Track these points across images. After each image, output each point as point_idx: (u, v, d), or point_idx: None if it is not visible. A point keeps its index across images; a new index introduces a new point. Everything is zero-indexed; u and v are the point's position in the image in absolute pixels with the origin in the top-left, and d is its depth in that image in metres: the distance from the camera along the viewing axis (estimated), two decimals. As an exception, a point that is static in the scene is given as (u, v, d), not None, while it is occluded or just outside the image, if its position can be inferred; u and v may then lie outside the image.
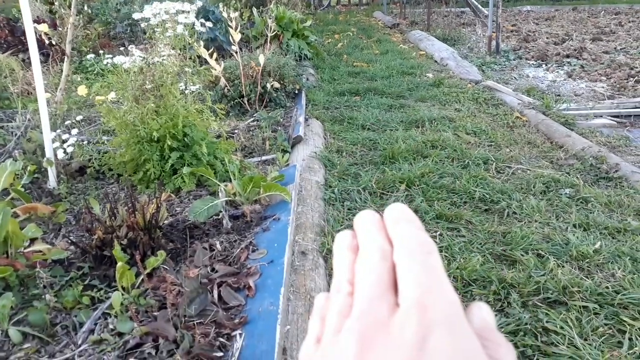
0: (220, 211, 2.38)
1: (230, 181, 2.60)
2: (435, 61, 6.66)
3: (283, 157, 3.20)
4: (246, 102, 4.24)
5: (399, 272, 0.27)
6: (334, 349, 0.26)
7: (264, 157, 3.27)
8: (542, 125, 3.99)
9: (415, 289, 0.26)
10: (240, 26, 4.06)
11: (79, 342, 1.62)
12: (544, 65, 6.29)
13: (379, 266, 0.27)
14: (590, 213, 2.61)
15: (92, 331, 1.67)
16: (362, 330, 0.25)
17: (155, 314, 1.67)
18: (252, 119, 4.03)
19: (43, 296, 1.76)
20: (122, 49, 6.06)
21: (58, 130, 2.81)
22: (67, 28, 3.94)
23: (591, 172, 3.13)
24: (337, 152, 3.51)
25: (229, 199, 2.49)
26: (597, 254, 2.22)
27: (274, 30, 4.77)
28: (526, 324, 1.80)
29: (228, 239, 2.23)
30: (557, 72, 5.95)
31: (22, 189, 2.50)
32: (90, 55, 3.43)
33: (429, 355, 0.23)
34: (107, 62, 2.73)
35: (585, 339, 1.74)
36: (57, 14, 5.04)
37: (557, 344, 1.72)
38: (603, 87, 5.20)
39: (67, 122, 3.04)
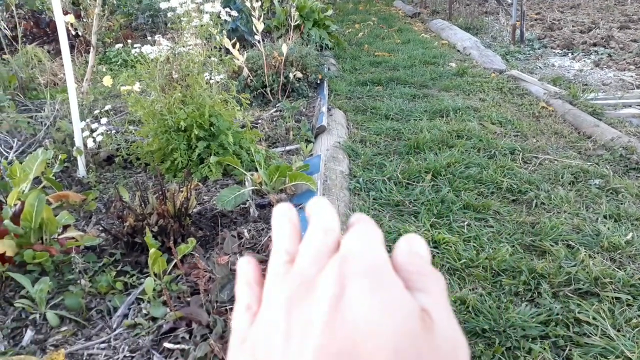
0: (247, 200, 2.40)
1: (256, 170, 2.61)
2: (458, 50, 6.57)
3: (307, 147, 3.21)
4: (269, 92, 4.24)
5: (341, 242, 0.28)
6: (266, 312, 0.27)
7: (287, 147, 3.28)
8: (569, 115, 3.92)
9: (342, 248, 0.26)
10: (262, 16, 4.06)
11: (114, 326, 1.65)
12: (570, 54, 6.16)
13: (321, 239, 0.28)
14: (621, 204, 2.57)
15: (126, 316, 1.70)
16: (290, 291, 0.26)
17: (187, 299, 1.69)
18: (275, 109, 4.04)
19: (78, 281, 1.80)
20: (144, 40, 6.11)
21: (87, 120, 2.86)
22: (92, 19, 3.98)
23: (621, 163, 3.07)
24: (361, 142, 3.50)
25: (256, 188, 2.51)
26: (629, 245, 2.19)
27: (296, 20, 4.76)
28: (557, 314, 1.78)
29: (255, 227, 2.25)
30: (584, 61, 5.83)
31: (53, 178, 2.55)
32: (119, 45, 3.46)
33: (346, 305, 0.23)
34: (135, 52, 2.75)
35: (619, 330, 1.72)
36: (81, 5, 5.09)
37: (590, 334, 1.70)
38: (632, 76, 5.08)
39: (95, 112, 3.08)
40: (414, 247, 0.28)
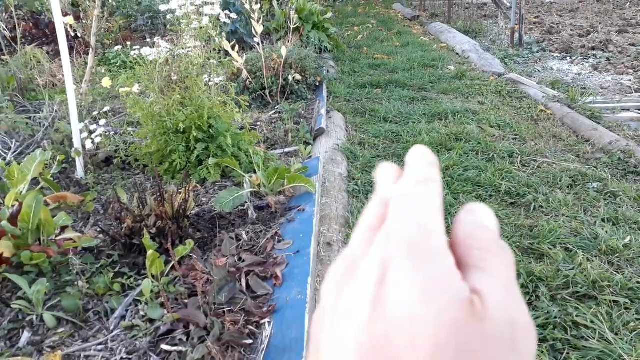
0: (246, 202, 2.39)
1: (255, 172, 2.61)
2: (457, 53, 6.58)
3: (306, 149, 3.21)
4: (268, 94, 4.25)
5: (389, 210, 0.24)
6: (323, 294, 0.25)
7: (286, 149, 3.28)
8: (568, 118, 3.93)
9: (387, 223, 0.24)
10: (262, 18, 4.07)
11: (111, 328, 1.65)
12: (568, 58, 6.18)
13: (372, 211, 0.26)
14: (619, 207, 2.57)
15: (123, 317, 1.70)
16: (338, 274, 0.24)
17: (185, 301, 1.69)
18: (274, 111, 4.04)
19: (76, 282, 1.79)
20: (144, 41, 6.11)
21: (86, 121, 2.85)
22: (92, 20, 3.99)
23: (619, 166, 3.08)
24: (360, 144, 3.50)
25: (254, 190, 2.51)
26: (627, 248, 2.19)
27: (296, 23, 4.76)
28: (555, 317, 1.78)
29: (254, 229, 2.24)
30: (583, 64, 5.85)
31: (52, 179, 2.54)
32: (117, 47, 3.47)
33: (388, 290, 0.21)
34: (134, 54, 2.75)
35: (617, 334, 1.72)
36: (81, 7, 5.10)
37: (588, 338, 1.70)
38: (630, 80, 5.09)
39: (94, 113, 3.08)
40: (478, 217, 0.25)
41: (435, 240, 0.22)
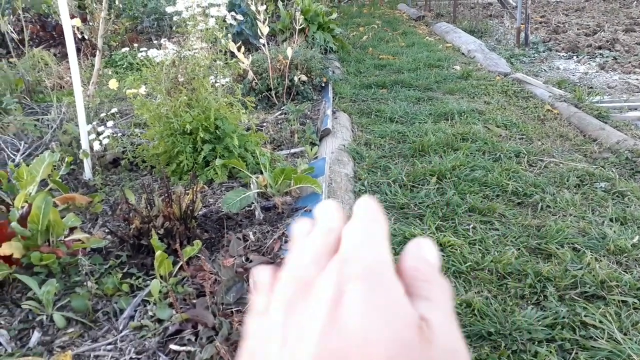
0: (252, 202, 2.40)
1: (262, 173, 2.62)
2: (462, 53, 6.57)
3: (312, 149, 3.21)
4: (274, 95, 4.26)
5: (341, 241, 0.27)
6: (266, 317, 0.26)
7: (292, 150, 3.28)
8: (575, 118, 3.92)
9: (342, 250, 0.25)
10: (267, 20, 4.08)
11: (120, 328, 1.66)
12: (575, 57, 6.15)
13: (320, 238, 0.27)
14: (627, 207, 2.56)
15: (132, 317, 1.71)
16: (289, 294, 0.25)
17: (193, 301, 1.70)
18: (280, 112, 4.05)
19: (85, 283, 1.81)
20: (149, 43, 6.14)
21: (93, 123, 2.87)
22: (99, 22, 4.01)
23: (627, 166, 3.06)
24: (366, 144, 3.51)
25: (261, 190, 2.52)
26: (636, 248, 2.18)
27: (301, 24, 4.77)
28: (564, 317, 1.78)
29: (261, 230, 2.25)
30: (589, 64, 5.82)
31: (60, 180, 2.56)
32: (125, 49, 3.49)
33: (344, 310, 0.23)
34: (141, 56, 2.77)
35: (625, 334, 1.71)
36: (87, 9, 5.13)
37: (596, 338, 1.69)
38: (637, 79, 5.07)
39: (101, 115, 3.10)
40: (423, 251, 0.27)
41: (387, 269, 0.25)
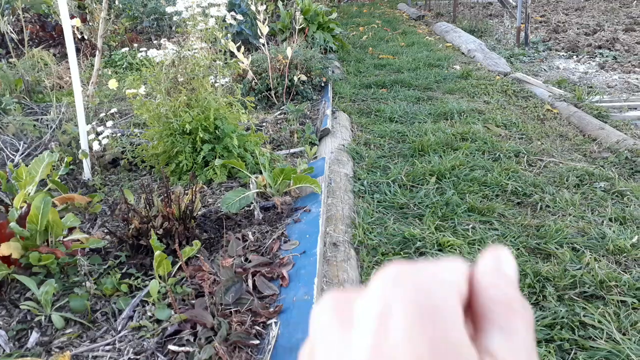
0: (252, 202, 2.40)
1: (261, 173, 2.62)
2: (462, 53, 6.57)
3: (311, 149, 3.21)
4: (273, 95, 4.25)
5: None
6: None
7: (292, 150, 3.28)
8: (574, 117, 3.91)
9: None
10: (267, 19, 4.07)
11: (119, 328, 1.66)
12: (574, 57, 6.15)
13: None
14: (627, 207, 2.56)
15: (131, 318, 1.71)
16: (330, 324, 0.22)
17: (192, 301, 1.70)
18: (279, 112, 4.05)
19: (83, 283, 1.81)
20: (149, 43, 6.14)
21: (93, 123, 2.87)
22: (98, 22, 4.01)
23: (626, 166, 3.06)
24: (365, 144, 3.50)
25: (260, 190, 2.51)
26: (635, 248, 2.18)
27: (301, 23, 4.77)
28: (563, 317, 1.78)
29: (260, 230, 2.25)
30: (589, 63, 5.82)
31: (59, 180, 2.56)
32: (125, 49, 3.49)
33: (391, 343, 0.19)
34: (141, 56, 2.76)
35: (624, 334, 1.71)
36: (87, 9, 5.13)
37: (595, 338, 1.69)
38: (637, 79, 5.06)
39: (100, 115, 3.10)
40: (502, 264, 0.23)
41: (441, 285, 0.21)
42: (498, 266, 0.23)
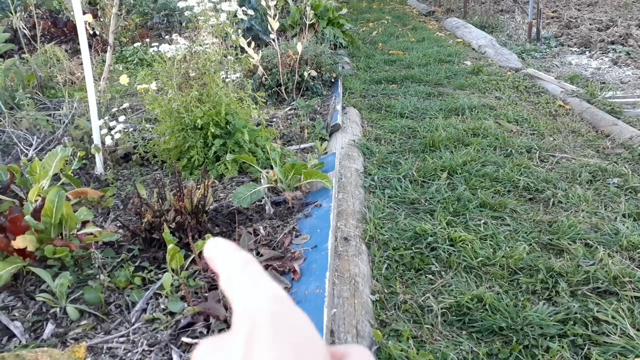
0: (263, 197, 2.41)
1: (272, 168, 2.62)
2: (473, 49, 6.53)
3: (321, 145, 3.21)
4: (284, 90, 4.26)
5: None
6: None
7: (302, 145, 3.28)
8: (587, 113, 3.88)
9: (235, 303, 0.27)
10: (277, 15, 4.07)
11: (133, 321, 1.67)
12: (587, 52, 6.09)
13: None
14: (641, 203, 2.53)
15: (144, 310, 1.72)
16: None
17: (205, 294, 1.71)
18: (289, 108, 4.05)
19: (97, 276, 1.82)
20: (160, 39, 6.16)
21: (105, 118, 2.89)
22: (110, 18, 4.03)
23: (640, 162, 3.03)
24: (376, 140, 3.50)
25: (271, 185, 2.52)
26: (649, 244, 2.16)
27: (311, 19, 4.76)
28: (576, 313, 1.77)
29: (271, 224, 2.26)
30: (602, 59, 5.76)
31: (72, 174, 2.58)
32: (137, 44, 3.50)
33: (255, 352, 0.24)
34: (152, 51, 2.78)
35: (638, 330, 1.70)
36: (98, 5, 5.15)
37: (609, 333, 1.68)
38: (651, 74, 5.00)
39: (112, 110, 3.12)
40: None
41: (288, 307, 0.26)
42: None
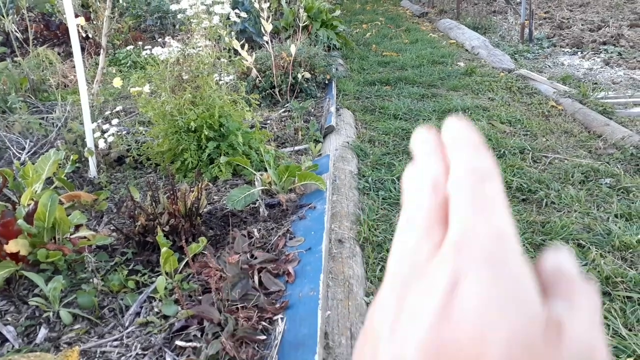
0: (257, 200, 2.41)
1: (266, 170, 2.62)
2: (466, 50, 6.56)
3: (315, 147, 3.21)
4: (277, 92, 4.26)
5: (450, 205, 0.23)
6: (382, 294, 0.23)
7: (296, 147, 3.29)
8: (579, 114, 3.90)
9: (457, 226, 0.22)
10: (270, 17, 4.08)
11: (126, 324, 1.67)
12: (579, 53, 6.13)
13: (427, 200, 0.24)
14: (632, 203, 2.55)
15: (138, 314, 1.72)
16: (401, 278, 0.23)
17: (199, 297, 1.71)
18: (283, 110, 4.05)
19: (91, 280, 1.82)
20: (153, 41, 6.15)
21: (98, 121, 2.88)
22: (102, 21, 4.02)
23: (632, 162, 3.05)
24: (370, 141, 3.51)
25: (265, 187, 2.52)
26: (641, 244, 2.17)
27: (304, 21, 4.77)
28: (568, 313, 1.78)
29: (265, 227, 2.26)
30: (594, 59, 5.80)
31: (65, 178, 2.57)
32: (130, 47, 3.50)
33: (461, 299, 0.20)
34: (145, 54, 2.77)
35: (630, 329, 1.71)
36: (91, 8, 5.14)
37: (601, 333, 1.69)
38: (642, 75, 5.04)
39: (106, 113, 3.11)
40: (566, 257, 0.24)
41: (512, 251, 0.21)
42: (563, 256, 0.24)
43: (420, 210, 0.24)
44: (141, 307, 1.75)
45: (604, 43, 6.38)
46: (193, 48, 2.79)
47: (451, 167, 0.24)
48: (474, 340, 0.19)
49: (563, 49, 6.37)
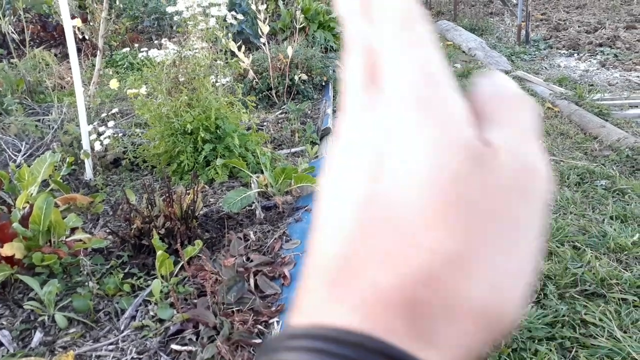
0: (253, 202, 2.41)
1: (262, 173, 2.62)
2: (463, 51, 6.57)
3: (312, 149, 3.21)
4: (274, 94, 4.26)
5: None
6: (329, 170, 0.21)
7: (293, 149, 3.29)
8: (575, 115, 3.91)
9: (385, 76, 0.20)
10: (267, 19, 4.08)
11: (122, 328, 1.66)
12: (575, 55, 6.14)
13: (357, 64, 0.22)
14: (628, 205, 2.56)
15: (133, 317, 1.72)
16: (343, 141, 0.21)
17: (194, 301, 1.70)
18: (280, 111, 4.05)
19: (86, 283, 1.82)
20: (150, 43, 6.15)
21: (94, 123, 2.88)
22: (99, 22, 4.01)
23: (627, 164, 3.06)
24: (366, 143, 3.50)
25: (261, 190, 2.52)
26: (636, 246, 2.18)
27: (301, 22, 4.77)
28: (564, 315, 1.78)
29: (261, 229, 2.26)
30: (590, 61, 5.82)
31: (61, 180, 2.57)
32: (126, 49, 3.49)
33: (393, 146, 0.19)
34: (142, 56, 2.77)
35: (625, 332, 1.71)
36: (88, 9, 5.13)
37: (596, 336, 1.70)
38: (638, 77, 5.06)
39: (102, 115, 3.10)
40: (498, 80, 0.22)
41: (444, 88, 0.20)
42: (494, 80, 0.22)
43: (352, 76, 0.22)
44: (137, 311, 1.74)
45: (600, 45, 6.40)
46: (189, 50, 2.79)
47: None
48: (405, 183, 0.18)
49: (559, 51, 6.39)
